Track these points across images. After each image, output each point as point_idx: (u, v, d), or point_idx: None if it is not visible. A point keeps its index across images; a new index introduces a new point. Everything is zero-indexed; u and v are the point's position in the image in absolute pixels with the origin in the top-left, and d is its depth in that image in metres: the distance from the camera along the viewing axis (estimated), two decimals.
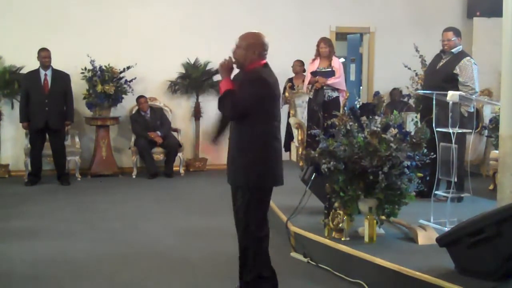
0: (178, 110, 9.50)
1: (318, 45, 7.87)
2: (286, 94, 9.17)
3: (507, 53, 5.03)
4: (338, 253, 4.55)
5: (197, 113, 9.37)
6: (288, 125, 9.19)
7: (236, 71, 3.91)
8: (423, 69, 7.93)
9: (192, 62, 9.34)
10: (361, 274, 4.28)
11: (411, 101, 9.03)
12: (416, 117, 6.36)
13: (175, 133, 9.18)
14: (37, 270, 4.67)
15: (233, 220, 3.98)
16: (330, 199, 4.80)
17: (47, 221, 6.23)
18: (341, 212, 4.66)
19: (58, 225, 6.05)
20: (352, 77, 10.98)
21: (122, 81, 8.82)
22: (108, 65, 8.73)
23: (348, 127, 4.65)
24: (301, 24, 9.68)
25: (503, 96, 5.11)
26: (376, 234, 4.63)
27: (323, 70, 7.78)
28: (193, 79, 9.25)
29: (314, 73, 7.78)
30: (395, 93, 9.94)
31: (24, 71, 8.55)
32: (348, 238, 4.65)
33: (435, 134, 5.23)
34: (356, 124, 4.70)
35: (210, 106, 9.35)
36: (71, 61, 8.52)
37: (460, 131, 5.18)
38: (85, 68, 8.68)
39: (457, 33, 6.14)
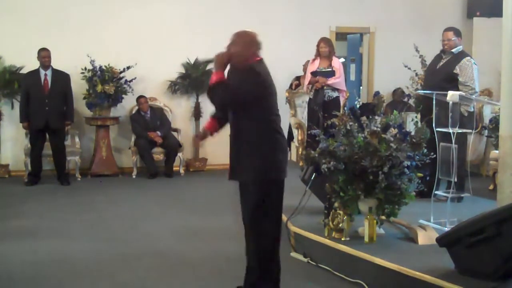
0: (178, 110, 9.49)
1: (318, 45, 7.88)
2: (286, 94, 9.18)
3: (507, 53, 5.03)
4: (338, 253, 4.55)
5: (197, 113, 9.37)
6: (288, 125, 9.19)
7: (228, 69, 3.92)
8: (423, 69, 7.93)
9: (192, 62, 9.33)
10: (361, 274, 4.28)
11: (411, 101, 9.02)
12: (416, 117, 6.36)
13: (175, 133, 9.18)
14: (37, 270, 4.67)
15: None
16: (330, 199, 4.80)
17: (47, 221, 6.23)
18: (341, 212, 4.66)
19: (58, 225, 6.05)
20: (352, 77, 10.98)
21: (122, 81, 8.82)
22: (108, 65, 8.73)
23: (348, 127, 4.65)
24: (301, 24, 9.68)
25: (503, 96, 5.12)
26: (376, 234, 4.63)
27: (323, 70, 7.78)
28: (193, 79, 9.24)
29: (314, 73, 7.78)
30: (398, 93, 9.94)
31: (24, 71, 8.55)
32: (348, 238, 4.65)
33: (435, 134, 5.23)
34: (356, 124, 4.70)
35: (210, 106, 9.30)
36: (71, 61, 8.51)
37: (460, 131, 5.18)
38: (85, 68, 8.68)
39: (457, 33, 6.15)
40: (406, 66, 8.47)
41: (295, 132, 8.91)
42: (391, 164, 4.43)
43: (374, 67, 10.32)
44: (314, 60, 7.94)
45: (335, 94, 7.81)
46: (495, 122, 7.25)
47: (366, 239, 4.60)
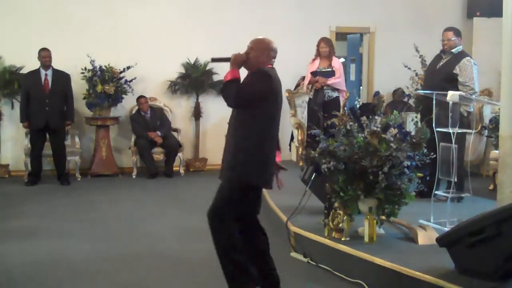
0: (178, 110, 9.50)
1: (318, 45, 7.88)
2: (286, 94, 9.18)
3: (507, 53, 5.03)
4: (338, 253, 4.55)
5: (197, 113, 9.37)
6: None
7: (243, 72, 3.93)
8: (423, 69, 7.92)
9: (192, 62, 9.33)
10: (361, 274, 4.28)
11: (411, 101, 9.02)
12: (416, 117, 6.36)
13: (175, 133, 9.18)
14: (37, 270, 4.67)
15: None
16: (330, 199, 4.80)
17: (47, 221, 6.23)
18: (341, 212, 4.66)
19: (58, 225, 6.05)
20: (352, 77, 10.98)
21: (122, 81, 8.83)
22: (108, 65, 8.74)
23: (348, 127, 4.65)
24: (301, 24, 9.69)
25: (503, 96, 5.11)
26: (376, 234, 4.63)
27: (323, 70, 7.77)
28: (193, 79, 9.25)
29: (314, 73, 7.78)
30: (398, 93, 9.94)
31: (24, 71, 8.55)
32: (348, 238, 4.65)
33: (435, 134, 5.23)
34: (356, 124, 4.69)
35: (210, 106, 9.37)
36: (71, 61, 8.53)
37: (460, 131, 5.18)
38: (85, 68, 8.68)
39: (457, 33, 6.14)
40: (406, 66, 8.47)
41: (295, 132, 8.91)
42: (391, 164, 4.43)
43: (374, 67, 10.32)
44: (314, 60, 7.94)
45: (335, 94, 7.80)
46: (495, 122, 7.25)
47: (366, 239, 4.60)
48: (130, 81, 8.87)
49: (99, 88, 8.58)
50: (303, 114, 8.92)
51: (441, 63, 6.17)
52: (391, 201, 4.60)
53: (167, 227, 5.98)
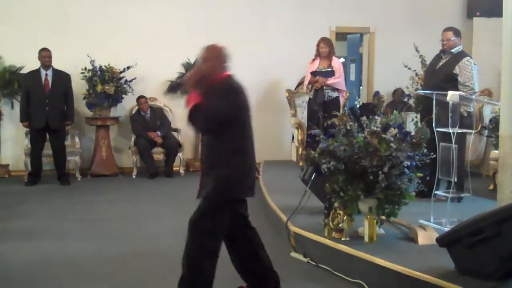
0: (178, 110, 9.45)
1: (318, 45, 7.89)
2: (286, 94, 9.18)
3: (507, 53, 5.03)
4: (338, 253, 4.55)
5: None
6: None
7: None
8: (423, 69, 7.93)
9: (192, 62, 9.32)
10: (361, 274, 4.28)
11: (411, 101, 9.03)
12: (416, 117, 6.36)
13: (175, 133, 9.18)
14: (37, 270, 4.67)
15: None
16: (330, 199, 4.80)
17: (47, 221, 6.23)
18: (341, 212, 4.66)
19: (58, 225, 6.05)
20: (352, 77, 10.98)
21: (122, 81, 8.83)
22: (108, 65, 8.74)
23: (348, 127, 4.65)
24: (301, 24, 9.68)
25: (503, 96, 5.12)
26: (376, 234, 4.64)
27: (323, 70, 7.78)
28: None
29: (314, 73, 7.79)
30: (398, 93, 9.94)
31: (24, 71, 8.56)
32: (348, 238, 4.65)
33: (435, 134, 5.23)
34: (356, 124, 4.70)
35: None
36: (71, 61, 8.53)
37: (460, 131, 5.18)
38: (85, 68, 8.68)
39: (456, 33, 6.15)
40: (406, 66, 8.47)
41: (295, 132, 8.91)
42: (391, 164, 4.43)
43: (374, 67, 10.32)
44: (314, 60, 7.95)
45: (335, 94, 7.81)
46: (495, 122, 7.25)
47: (366, 239, 4.60)
48: (130, 81, 8.87)
49: (99, 88, 8.58)
50: (303, 114, 8.92)
51: (441, 63, 6.17)
52: (391, 201, 4.61)
53: (167, 227, 5.98)
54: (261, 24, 9.34)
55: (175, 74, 9.32)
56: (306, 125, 8.32)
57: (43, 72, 8.10)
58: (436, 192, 5.35)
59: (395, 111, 4.87)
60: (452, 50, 6.09)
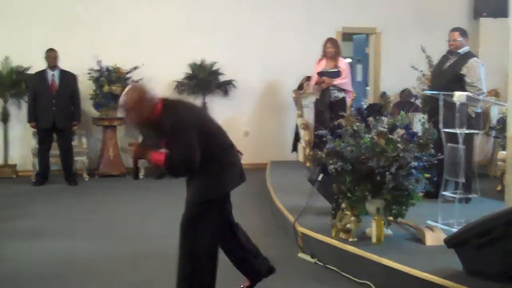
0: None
1: (324, 46, 7.89)
2: (293, 94, 9.18)
3: None
4: (345, 253, 4.55)
5: None
6: (295, 125, 9.20)
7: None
8: (430, 70, 7.91)
9: (199, 63, 9.35)
10: (369, 275, 4.28)
11: (418, 102, 9.01)
12: (423, 117, 6.35)
13: None
14: (44, 269, 4.68)
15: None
16: (337, 199, 4.80)
17: (54, 221, 6.25)
18: (348, 213, 4.65)
19: (65, 225, 6.07)
20: (359, 78, 10.98)
21: (129, 81, 8.85)
22: (115, 65, 8.77)
23: (355, 128, 4.65)
24: (307, 25, 9.68)
25: (510, 96, 5.11)
26: (383, 234, 4.62)
27: (329, 70, 7.78)
28: (200, 80, 9.26)
29: (320, 74, 7.79)
30: (405, 93, 9.92)
31: (31, 71, 8.60)
32: (355, 239, 4.65)
33: (442, 135, 5.22)
34: (363, 124, 4.69)
35: (217, 106, 9.36)
36: (78, 62, 8.56)
37: (467, 131, 5.17)
38: (92, 69, 8.71)
39: (463, 33, 6.13)
40: (412, 67, 8.46)
41: (302, 132, 8.91)
42: (398, 164, 4.42)
43: (380, 68, 10.31)
44: (320, 60, 7.95)
45: (341, 95, 7.81)
46: (502, 122, 7.24)
47: (374, 240, 4.59)
48: (137, 81, 8.87)
49: (106, 88, 8.61)
50: (309, 115, 8.92)
51: (448, 64, 6.16)
52: (399, 201, 4.60)
53: (174, 227, 5.95)
54: (267, 25, 9.33)
55: (182, 75, 9.35)
56: (313, 125, 8.32)
57: (49, 72, 8.13)
58: (443, 193, 5.33)
59: (402, 112, 4.86)
60: (459, 51, 6.07)
